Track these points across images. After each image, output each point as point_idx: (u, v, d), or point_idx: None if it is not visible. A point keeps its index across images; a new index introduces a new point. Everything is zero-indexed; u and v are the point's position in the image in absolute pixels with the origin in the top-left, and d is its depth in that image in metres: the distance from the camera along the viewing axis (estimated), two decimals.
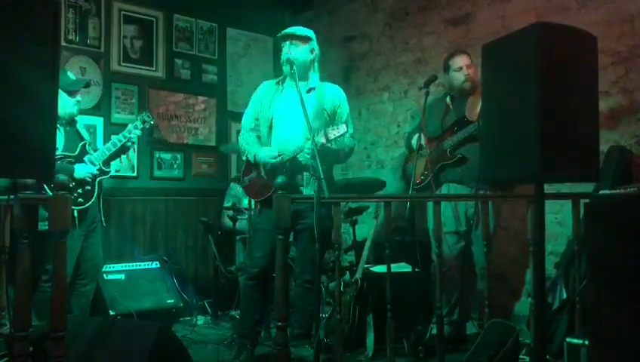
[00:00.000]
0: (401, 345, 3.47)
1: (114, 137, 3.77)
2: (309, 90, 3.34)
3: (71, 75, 3.68)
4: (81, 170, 3.50)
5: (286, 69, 3.29)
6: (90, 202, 3.53)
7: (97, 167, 3.58)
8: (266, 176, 3.30)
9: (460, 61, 3.75)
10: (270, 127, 3.36)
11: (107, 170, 3.66)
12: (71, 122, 3.64)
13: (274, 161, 3.23)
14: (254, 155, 3.32)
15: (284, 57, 3.29)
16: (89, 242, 3.60)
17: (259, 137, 3.41)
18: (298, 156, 3.20)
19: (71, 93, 3.57)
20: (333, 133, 3.09)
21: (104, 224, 3.74)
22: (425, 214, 3.84)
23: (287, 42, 3.32)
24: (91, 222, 3.60)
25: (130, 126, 3.76)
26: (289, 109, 3.31)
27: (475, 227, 3.67)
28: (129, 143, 3.73)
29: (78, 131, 3.70)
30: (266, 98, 3.41)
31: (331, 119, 3.34)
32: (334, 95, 3.41)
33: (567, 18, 3.71)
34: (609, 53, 3.57)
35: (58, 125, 3.53)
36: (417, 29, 4.90)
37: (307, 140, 3.09)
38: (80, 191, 3.50)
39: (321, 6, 5.83)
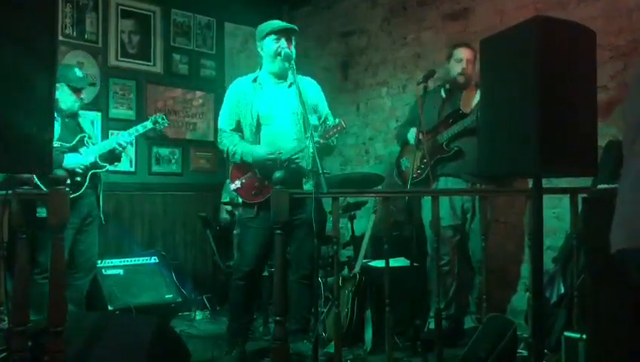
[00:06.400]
0: (399, 339, 3.48)
1: (116, 136, 3.74)
2: (289, 85, 3.34)
3: (78, 72, 3.64)
4: (71, 161, 3.44)
5: (282, 64, 3.23)
6: (79, 193, 3.44)
7: (92, 160, 3.54)
8: (261, 177, 3.23)
9: (463, 53, 3.74)
10: (257, 127, 3.28)
11: (102, 164, 3.61)
12: (71, 115, 3.62)
13: (273, 157, 3.15)
14: (250, 155, 3.22)
15: (283, 52, 3.20)
16: (83, 236, 3.58)
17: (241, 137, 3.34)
18: (298, 154, 3.19)
19: (75, 92, 3.56)
20: (334, 131, 3.10)
21: (103, 222, 3.71)
22: (421, 208, 3.83)
23: (284, 37, 3.25)
24: (86, 215, 3.57)
25: (139, 125, 3.73)
26: (277, 107, 3.29)
27: (470, 221, 3.68)
28: (120, 148, 3.64)
29: (79, 124, 3.68)
30: (245, 98, 3.31)
31: (314, 112, 3.35)
32: (312, 88, 3.39)
33: (566, 13, 3.70)
34: (608, 47, 3.57)
35: (57, 116, 3.52)
36: (416, 24, 4.89)
37: (307, 138, 3.10)
38: (69, 181, 3.46)
39: (319, 0, 5.82)
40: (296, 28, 3.33)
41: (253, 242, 3.29)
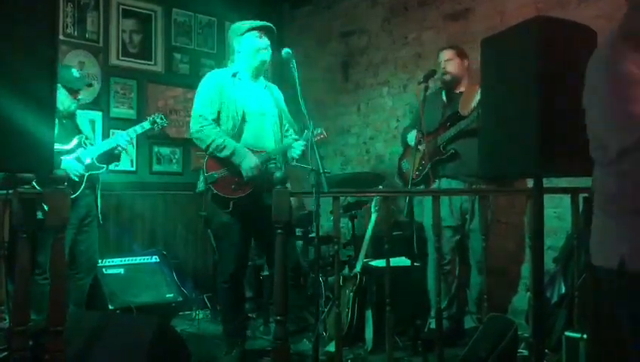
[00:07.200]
0: (400, 338, 3.48)
1: (114, 138, 3.72)
2: (265, 87, 3.37)
3: (75, 73, 3.62)
4: (68, 166, 3.39)
5: (258, 65, 3.28)
6: (77, 193, 3.41)
7: (89, 162, 3.52)
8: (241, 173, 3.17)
9: (443, 55, 3.83)
10: (242, 123, 3.21)
11: (100, 165, 3.57)
12: (69, 115, 3.61)
13: (253, 174, 3.12)
14: (239, 160, 3.12)
15: (262, 55, 3.24)
16: (83, 236, 3.57)
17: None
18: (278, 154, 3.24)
19: (72, 93, 3.54)
20: (317, 139, 3.13)
21: (101, 221, 3.70)
22: (420, 209, 3.83)
23: (265, 34, 3.26)
24: (84, 215, 3.56)
25: (137, 126, 3.73)
26: (261, 105, 3.29)
27: (469, 221, 3.68)
28: (119, 149, 3.62)
29: (77, 125, 3.67)
30: (227, 90, 3.21)
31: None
32: (279, 94, 3.42)
33: (567, 13, 3.70)
34: None
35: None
36: (416, 24, 4.89)
37: (295, 140, 3.24)
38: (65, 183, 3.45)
39: (319, 0, 5.82)
40: (274, 29, 3.32)
41: (232, 243, 3.25)
